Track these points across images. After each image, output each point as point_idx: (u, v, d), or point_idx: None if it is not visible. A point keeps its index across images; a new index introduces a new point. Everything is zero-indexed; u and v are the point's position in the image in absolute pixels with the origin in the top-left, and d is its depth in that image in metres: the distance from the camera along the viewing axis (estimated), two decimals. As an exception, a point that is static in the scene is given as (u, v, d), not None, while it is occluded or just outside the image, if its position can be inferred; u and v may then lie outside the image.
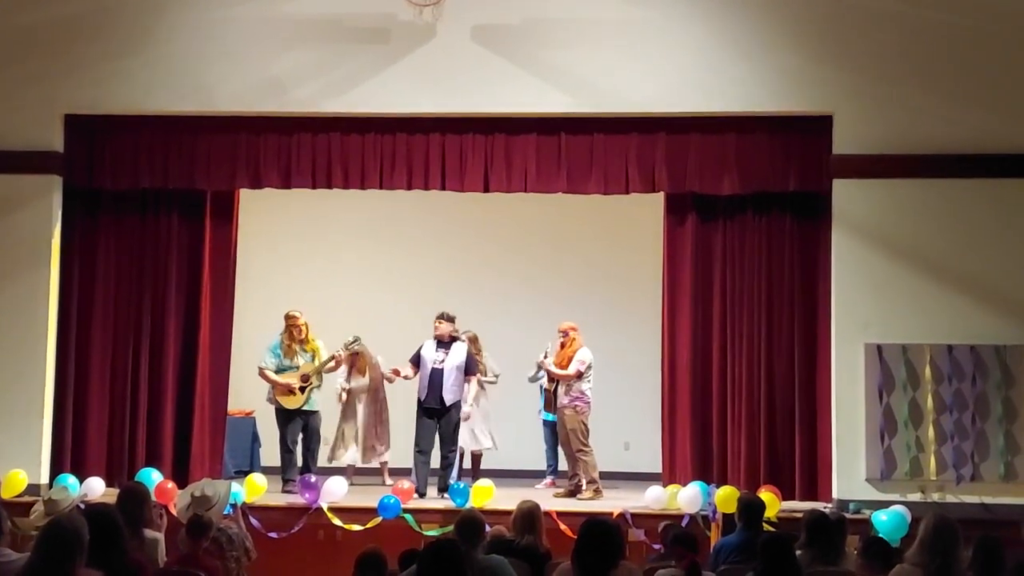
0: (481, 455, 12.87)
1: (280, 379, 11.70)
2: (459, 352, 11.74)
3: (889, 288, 10.91)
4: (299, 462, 11.70)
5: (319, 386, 11.87)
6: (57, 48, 11.56)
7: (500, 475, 11.96)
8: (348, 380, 12.47)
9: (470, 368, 11.83)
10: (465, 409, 11.95)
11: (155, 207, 11.97)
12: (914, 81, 11.00)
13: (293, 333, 11.84)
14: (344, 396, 12.47)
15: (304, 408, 11.74)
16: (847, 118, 11.07)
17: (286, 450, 11.75)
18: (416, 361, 11.76)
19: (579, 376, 11.51)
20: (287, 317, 11.91)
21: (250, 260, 13.12)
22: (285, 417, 11.76)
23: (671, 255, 11.78)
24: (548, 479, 12.59)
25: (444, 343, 11.75)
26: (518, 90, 11.31)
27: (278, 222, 14.38)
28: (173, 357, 11.87)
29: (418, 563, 4.79)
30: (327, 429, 12.36)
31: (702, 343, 11.65)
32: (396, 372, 11.92)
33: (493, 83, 11.34)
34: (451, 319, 11.86)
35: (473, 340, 12.48)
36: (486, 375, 12.69)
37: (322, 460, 12.15)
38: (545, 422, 12.67)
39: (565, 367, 11.54)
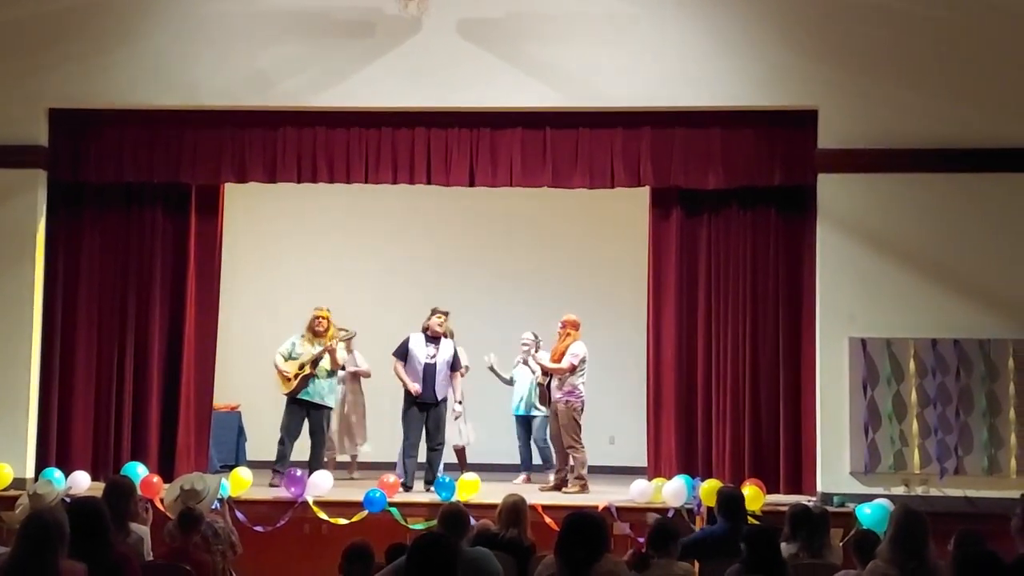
0: (464, 449, 12.88)
1: (281, 365, 11.73)
2: (448, 348, 11.72)
3: (873, 282, 10.95)
4: (288, 454, 11.66)
5: (318, 377, 11.73)
6: (41, 42, 11.54)
7: (474, 469, 11.95)
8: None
9: (456, 364, 11.80)
10: (458, 408, 11.90)
11: (140, 201, 11.96)
12: (899, 76, 11.02)
13: (313, 325, 11.83)
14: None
15: (303, 398, 11.70)
16: (832, 113, 11.10)
17: (280, 439, 11.71)
18: (403, 355, 11.73)
19: (572, 370, 11.50)
20: (315, 311, 11.87)
21: (235, 254, 13.11)
22: (287, 406, 11.77)
23: (656, 249, 11.81)
24: (523, 475, 12.55)
25: (434, 338, 11.74)
26: (503, 84, 11.32)
27: (264, 216, 14.36)
28: (158, 351, 11.87)
29: (407, 556, 4.77)
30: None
31: (687, 337, 11.69)
32: (417, 393, 11.64)
33: (478, 77, 11.35)
34: (446, 315, 11.83)
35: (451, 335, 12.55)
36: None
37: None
38: (517, 418, 12.65)
39: (559, 360, 11.55)
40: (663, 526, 7.10)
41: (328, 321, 11.86)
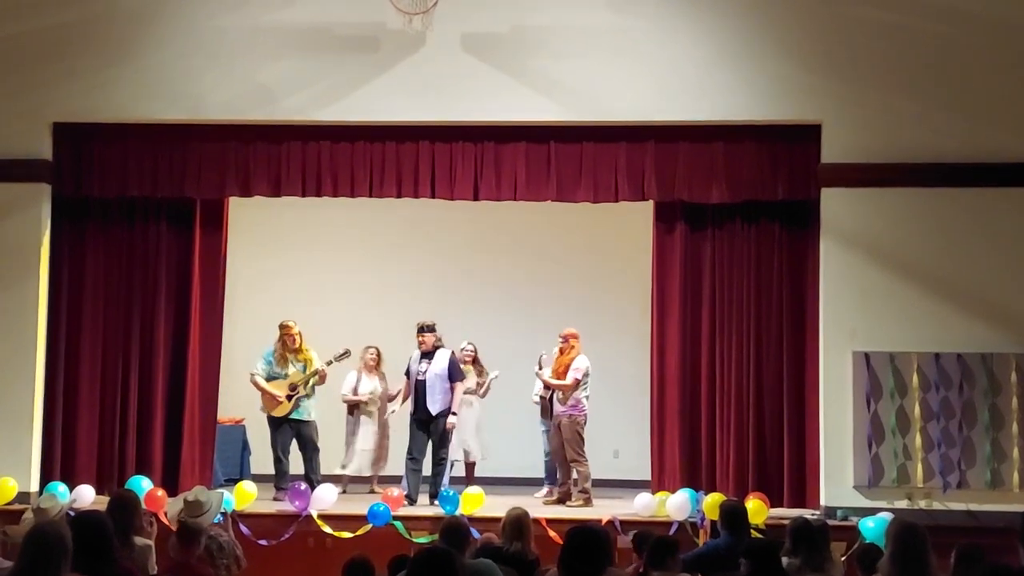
0: (474, 464, 12.87)
1: (269, 387, 11.71)
2: (441, 360, 11.69)
3: (877, 296, 10.95)
4: (287, 470, 11.71)
5: (308, 396, 11.80)
6: (46, 57, 11.57)
7: (494, 483, 11.99)
8: (356, 390, 12.48)
9: (453, 375, 11.73)
10: (451, 420, 11.69)
11: (144, 215, 11.98)
12: (902, 91, 11.04)
13: (287, 342, 11.83)
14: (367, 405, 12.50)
15: (293, 417, 11.71)
16: (835, 127, 11.11)
17: (276, 458, 11.75)
18: (408, 372, 11.80)
19: (576, 385, 11.49)
20: (281, 327, 11.90)
21: (239, 269, 13.11)
22: (275, 425, 11.78)
23: (660, 263, 11.81)
24: (547, 487, 12.33)
25: (427, 353, 11.73)
26: (508, 99, 11.34)
27: (268, 231, 14.36)
28: (163, 365, 11.87)
29: (408, 570, 4.78)
30: (330, 438, 12.34)
31: (691, 351, 11.68)
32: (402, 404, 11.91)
33: (482, 92, 11.36)
34: (432, 329, 11.79)
35: (475, 358, 12.64)
36: (485, 385, 12.77)
37: (326, 468, 12.09)
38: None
39: (562, 374, 11.52)
40: (662, 541, 7.11)
41: (300, 336, 11.89)
